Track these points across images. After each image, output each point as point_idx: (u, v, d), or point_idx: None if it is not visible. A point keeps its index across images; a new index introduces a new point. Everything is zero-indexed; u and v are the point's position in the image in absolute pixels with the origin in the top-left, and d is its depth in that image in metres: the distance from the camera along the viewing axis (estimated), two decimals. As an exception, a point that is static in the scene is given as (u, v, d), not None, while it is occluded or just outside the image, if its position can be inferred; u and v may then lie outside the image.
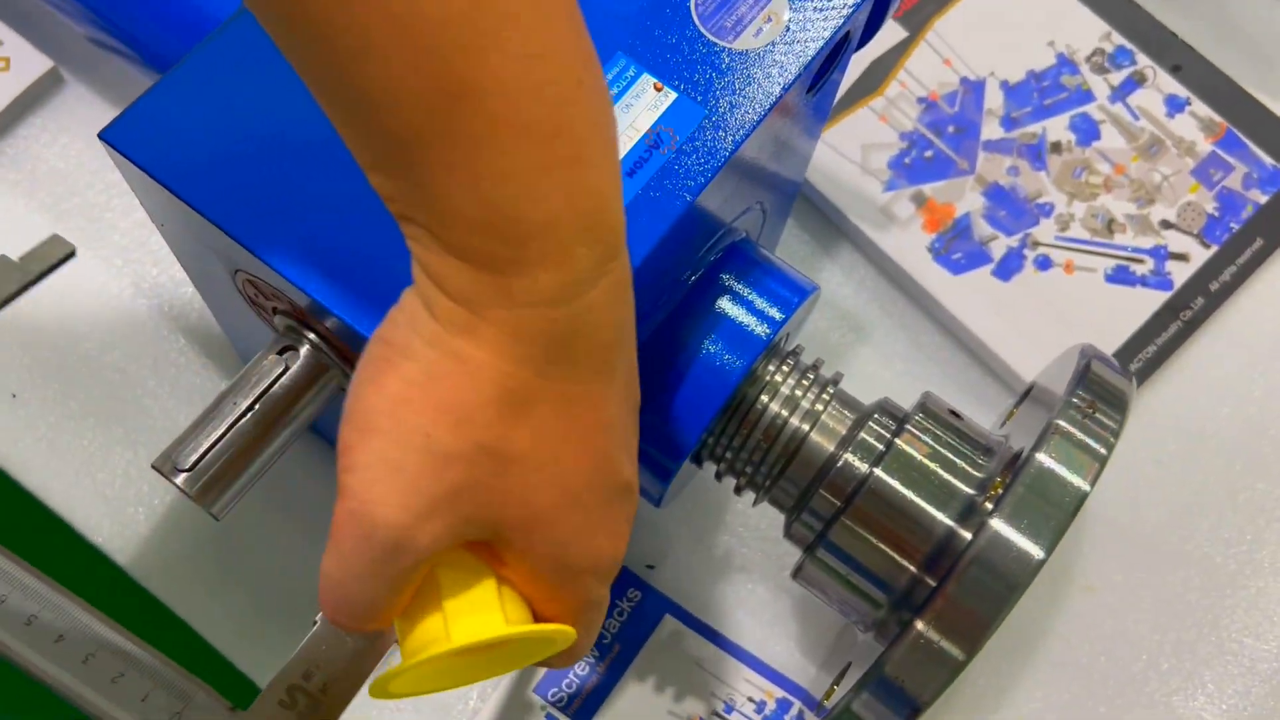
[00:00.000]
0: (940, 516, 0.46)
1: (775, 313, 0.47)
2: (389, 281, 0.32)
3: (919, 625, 0.42)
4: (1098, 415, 0.44)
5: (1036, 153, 0.66)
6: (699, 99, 0.41)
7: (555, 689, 0.55)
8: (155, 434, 0.57)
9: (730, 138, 0.40)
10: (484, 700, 0.55)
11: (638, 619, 0.57)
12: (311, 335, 0.40)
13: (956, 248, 0.64)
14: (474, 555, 0.32)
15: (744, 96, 0.41)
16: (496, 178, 0.28)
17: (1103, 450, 0.43)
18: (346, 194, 0.37)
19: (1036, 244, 0.64)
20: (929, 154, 0.66)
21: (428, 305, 0.30)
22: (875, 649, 0.47)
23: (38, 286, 0.60)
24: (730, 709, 0.56)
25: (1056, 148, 0.66)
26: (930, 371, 0.63)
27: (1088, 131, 0.66)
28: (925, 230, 0.64)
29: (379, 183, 0.30)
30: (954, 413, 0.49)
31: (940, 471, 0.46)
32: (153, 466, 0.39)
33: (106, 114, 0.63)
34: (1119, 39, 0.68)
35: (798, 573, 0.49)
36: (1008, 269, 0.64)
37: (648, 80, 0.41)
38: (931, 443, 0.47)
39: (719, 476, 0.51)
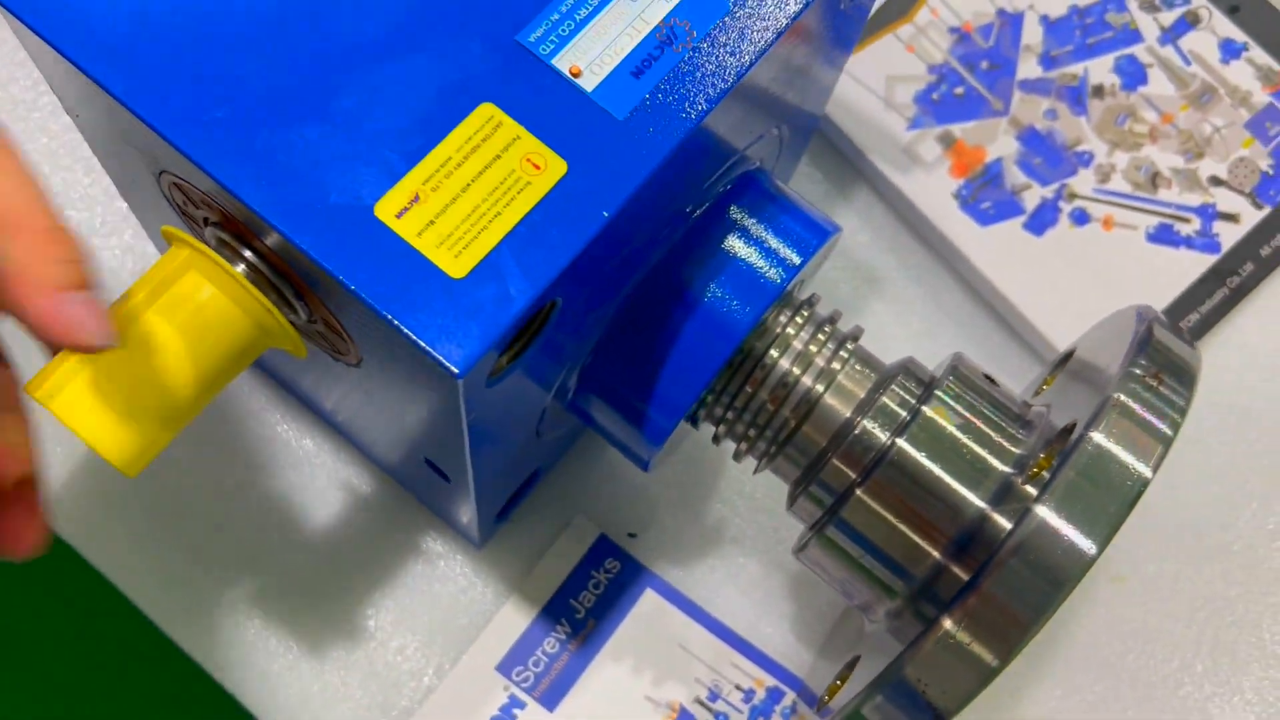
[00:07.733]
0: (971, 497, 0.40)
1: (791, 255, 0.41)
2: (338, 193, 0.25)
3: (947, 623, 0.36)
4: (1162, 389, 0.38)
5: (1077, 96, 0.60)
6: (721, -9, 0.34)
7: (520, 668, 0.49)
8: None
9: (758, 38, 0.33)
10: (440, 676, 0.49)
11: (615, 592, 0.51)
12: (248, 253, 0.34)
13: (986, 195, 0.58)
14: None
15: (775, -9, 0.34)
16: None
17: (1168, 430, 0.37)
18: (305, 87, 0.31)
19: (1074, 196, 0.58)
20: (960, 90, 0.59)
21: None
22: (888, 642, 0.41)
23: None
24: (715, 696, 0.50)
25: (1099, 91, 0.60)
26: (949, 331, 0.57)
27: (1134, 75, 0.60)
28: (952, 175, 0.58)
29: None
30: (989, 378, 0.43)
31: (973, 445, 0.40)
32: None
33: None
34: (1172, -26, 0.62)
35: (801, 550, 0.43)
36: (1041, 222, 0.58)
37: (661, -34, 0.34)
38: (964, 412, 0.41)
39: (717, 440, 0.45)
